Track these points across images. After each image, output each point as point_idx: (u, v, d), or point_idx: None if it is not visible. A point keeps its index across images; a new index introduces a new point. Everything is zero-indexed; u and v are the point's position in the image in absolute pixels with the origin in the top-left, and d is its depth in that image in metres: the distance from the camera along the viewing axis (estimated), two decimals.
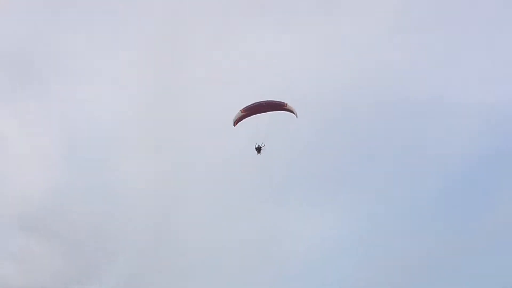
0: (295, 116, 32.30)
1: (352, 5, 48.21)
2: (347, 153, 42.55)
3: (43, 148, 37.60)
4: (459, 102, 43.81)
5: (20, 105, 39.41)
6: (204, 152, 39.97)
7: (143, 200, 36.96)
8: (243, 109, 31.81)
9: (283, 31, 44.85)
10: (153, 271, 35.37)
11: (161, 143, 38.75)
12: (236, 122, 32.00)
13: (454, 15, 48.36)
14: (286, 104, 32.00)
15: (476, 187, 42.22)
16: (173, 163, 38.66)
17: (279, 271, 37.35)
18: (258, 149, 33.14)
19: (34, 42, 41.53)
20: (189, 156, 39.01)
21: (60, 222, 35.17)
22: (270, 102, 31.93)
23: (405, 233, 39.47)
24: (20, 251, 34.51)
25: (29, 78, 40.46)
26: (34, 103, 39.98)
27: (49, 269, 34.61)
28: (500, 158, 41.60)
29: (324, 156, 41.82)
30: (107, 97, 41.09)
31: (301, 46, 45.44)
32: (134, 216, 36.35)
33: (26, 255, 34.67)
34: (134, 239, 35.54)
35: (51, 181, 35.73)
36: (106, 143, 38.88)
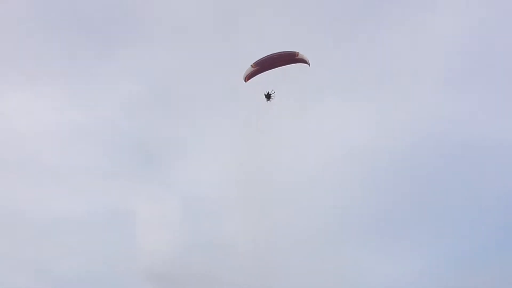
0: (307, 65, 30.44)
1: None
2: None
3: (166, 215, 43.01)
4: None
5: (146, 182, 45.44)
6: (301, 212, 42.59)
7: (248, 253, 40.14)
8: (254, 63, 30.68)
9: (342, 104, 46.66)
10: None
11: (263, 207, 41.30)
12: (247, 77, 31.08)
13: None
14: (298, 53, 30.51)
15: None
16: (273, 223, 41.08)
17: None
18: (268, 96, 31.32)
19: (155, 132, 48.00)
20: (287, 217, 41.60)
21: (181, 273, 39.36)
22: (281, 53, 30.52)
23: None
24: None
25: (152, 161, 46.57)
26: (158, 180, 45.66)
27: None
28: None
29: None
30: (214, 174, 45.34)
31: (361, 115, 47.19)
32: (241, 266, 39.31)
33: None
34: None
35: (173, 240, 41.07)
36: (215, 208, 43.36)
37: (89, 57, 49.62)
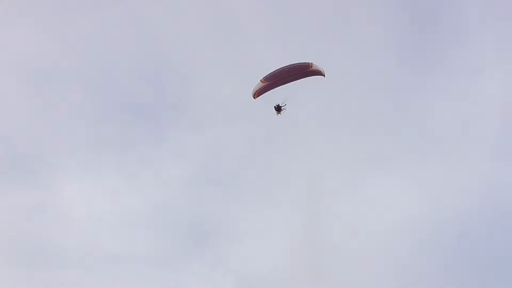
0: (323, 77, 28.22)
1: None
2: None
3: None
4: None
5: (201, 264, 45.78)
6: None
7: None
8: (263, 78, 29.02)
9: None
10: None
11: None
12: (256, 94, 28.83)
13: None
14: (311, 64, 28.23)
15: None
16: None
17: None
18: (278, 109, 28.55)
19: (209, 214, 48.29)
20: None
21: None
22: (293, 66, 28.55)
23: None
24: None
25: (206, 242, 47.11)
26: (213, 261, 46.16)
27: None
28: None
29: None
30: (268, 253, 45.34)
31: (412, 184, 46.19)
32: None
33: None
34: None
35: None
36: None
37: (141, 141, 49.34)
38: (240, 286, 43.08)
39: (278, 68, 28.09)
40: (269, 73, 28.07)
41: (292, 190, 43.12)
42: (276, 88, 27.87)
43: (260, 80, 28.10)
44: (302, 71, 27.40)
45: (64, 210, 47.93)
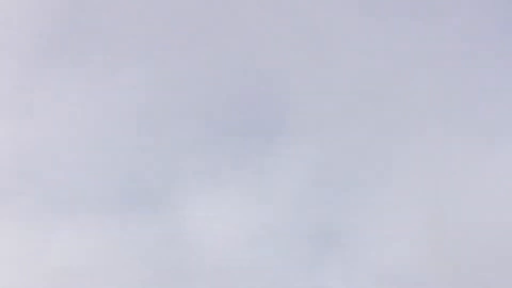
0: None
1: None
2: None
3: None
4: None
5: (336, 266, 42.99)
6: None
7: None
8: None
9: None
10: None
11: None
12: None
13: None
14: None
15: None
16: None
17: None
18: None
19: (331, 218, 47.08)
20: None
21: None
22: None
23: None
24: None
25: (336, 245, 44.52)
26: (348, 261, 42.95)
27: None
28: None
29: None
30: (403, 247, 40.83)
31: None
32: None
33: None
34: None
35: None
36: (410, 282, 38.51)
37: (254, 155, 48.28)
38: (380, 284, 41.16)
39: None
40: None
41: (422, 174, 40.16)
42: None
43: None
44: None
45: (192, 235, 48.91)
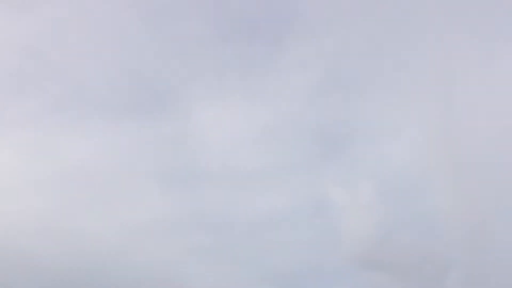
0: None
1: None
2: None
3: (363, 198, 42.55)
4: None
5: (336, 169, 45.65)
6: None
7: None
8: None
9: None
10: None
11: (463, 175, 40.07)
12: None
13: None
14: None
15: None
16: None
17: None
18: None
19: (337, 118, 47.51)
20: None
21: (395, 255, 39.37)
22: None
23: None
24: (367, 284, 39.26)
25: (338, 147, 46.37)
26: (348, 165, 45.49)
27: None
28: None
29: None
30: (404, 150, 43.90)
31: None
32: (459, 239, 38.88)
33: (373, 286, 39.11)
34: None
35: (372, 221, 41.02)
36: (411, 184, 42.45)
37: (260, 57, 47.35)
38: (379, 186, 42.24)
39: None
40: None
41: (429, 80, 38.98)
42: None
43: None
44: None
45: (199, 137, 47.99)
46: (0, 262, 39.48)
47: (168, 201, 46.08)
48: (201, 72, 49.25)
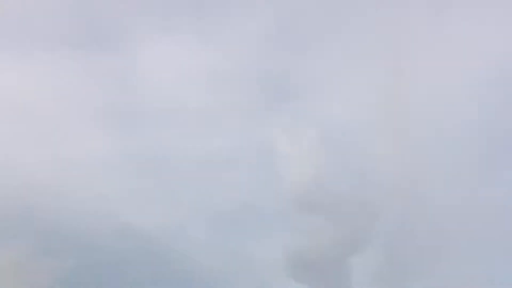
0: None
1: None
2: None
3: (308, 145, 42.75)
4: None
5: (283, 115, 45.29)
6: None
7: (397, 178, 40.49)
8: None
9: None
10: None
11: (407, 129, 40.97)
12: None
13: None
14: None
15: None
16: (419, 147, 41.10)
17: None
18: None
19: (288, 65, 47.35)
20: None
21: (331, 201, 39.94)
22: None
23: None
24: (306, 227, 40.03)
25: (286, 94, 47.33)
26: (294, 112, 45.40)
27: (327, 241, 39.33)
28: None
29: None
30: (352, 101, 44.50)
31: None
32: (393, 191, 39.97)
33: (311, 230, 39.93)
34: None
35: (313, 168, 41.56)
36: (356, 135, 43.13)
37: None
38: (323, 138, 42.88)
39: None
40: None
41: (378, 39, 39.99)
42: None
43: None
44: None
45: (145, 74, 47.48)
46: None
47: (110, 139, 45.54)
48: (151, 9, 48.38)
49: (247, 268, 39.90)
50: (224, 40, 48.02)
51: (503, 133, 41.39)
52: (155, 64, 49.23)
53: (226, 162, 45.60)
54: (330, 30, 46.61)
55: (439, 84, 41.32)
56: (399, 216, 39.98)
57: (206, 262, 39.35)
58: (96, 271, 38.71)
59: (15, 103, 42.34)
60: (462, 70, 41.88)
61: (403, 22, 39.70)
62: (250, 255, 40.70)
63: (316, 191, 41.01)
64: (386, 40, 41.09)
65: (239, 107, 48.15)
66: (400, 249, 39.60)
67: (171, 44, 48.88)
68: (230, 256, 40.81)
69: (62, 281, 37.56)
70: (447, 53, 41.41)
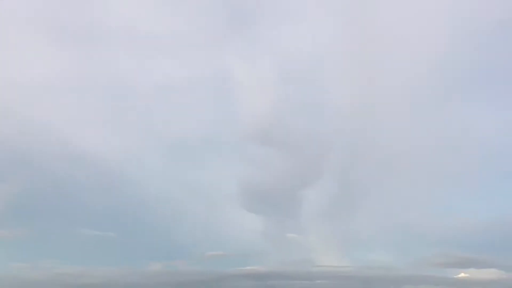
0: None
1: None
2: None
3: (263, 77, 43.05)
4: None
5: (241, 44, 45.59)
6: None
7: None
8: None
9: None
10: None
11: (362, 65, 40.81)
12: None
13: None
14: None
15: None
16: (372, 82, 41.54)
17: None
18: None
19: None
20: None
21: (282, 133, 40.50)
22: None
23: None
24: (260, 159, 40.35)
25: (245, 22, 46.67)
26: (253, 42, 46.08)
27: (281, 173, 39.83)
28: None
29: None
30: (311, 34, 44.53)
31: None
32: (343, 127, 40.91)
33: (265, 162, 40.36)
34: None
35: (272, 101, 41.93)
36: (312, 70, 43.68)
37: None
38: (281, 68, 43.17)
39: None
40: None
41: None
42: None
43: None
44: None
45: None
46: None
47: (64, 60, 43.75)
48: None
49: (201, 199, 40.25)
50: None
51: (449, 74, 42.01)
52: None
53: (182, 90, 45.10)
54: None
55: (398, 16, 41.89)
56: (349, 150, 41.14)
57: (161, 193, 39.42)
58: (47, 197, 38.24)
59: None
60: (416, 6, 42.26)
61: None
62: (205, 186, 40.99)
63: (271, 123, 41.25)
64: None
65: (196, 34, 46.68)
66: (349, 182, 41.03)
67: None
68: (184, 187, 41.00)
69: (11, 205, 36.93)
70: None
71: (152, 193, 38.37)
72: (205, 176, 40.40)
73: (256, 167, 40.06)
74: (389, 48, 40.63)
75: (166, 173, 40.42)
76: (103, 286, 33.87)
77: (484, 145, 38.38)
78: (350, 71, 41.33)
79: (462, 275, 33.87)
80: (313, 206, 38.49)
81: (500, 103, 40.97)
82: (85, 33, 44.23)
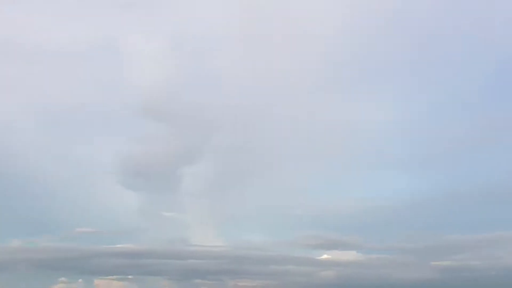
0: None
1: None
2: None
3: (157, 49, 42.15)
4: None
5: (135, 12, 44.11)
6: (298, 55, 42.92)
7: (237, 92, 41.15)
8: None
9: None
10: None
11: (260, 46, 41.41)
12: None
13: None
14: None
15: None
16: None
17: None
18: None
19: None
20: None
21: (173, 108, 39.81)
22: None
23: None
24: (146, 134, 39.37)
25: None
26: (148, 12, 44.45)
27: (164, 150, 39.18)
28: None
29: None
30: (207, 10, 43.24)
31: None
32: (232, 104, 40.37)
33: (151, 137, 39.46)
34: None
35: (163, 74, 41.09)
36: (208, 45, 43.16)
37: None
38: (176, 41, 42.49)
39: None
40: None
41: None
42: None
43: None
44: None
45: None
46: None
47: None
48: None
49: (76, 174, 38.78)
50: None
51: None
52: None
53: (70, 58, 43.06)
54: None
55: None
56: (240, 129, 40.96)
57: (31, 164, 37.60)
58: None
59: None
60: None
61: None
62: (82, 160, 39.48)
63: (162, 97, 40.14)
64: None
65: (87, 2, 45.29)
66: (232, 163, 40.99)
67: None
68: (60, 160, 39.30)
69: None
70: None
71: (21, 164, 36.47)
72: (84, 150, 38.88)
73: (140, 142, 38.95)
74: (287, 30, 40.91)
75: (41, 144, 38.50)
76: None
77: (367, 137, 39.95)
78: (249, 47, 41.38)
79: (325, 256, 34.94)
80: (193, 185, 38.20)
81: (381, 97, 42.21)
82: None
